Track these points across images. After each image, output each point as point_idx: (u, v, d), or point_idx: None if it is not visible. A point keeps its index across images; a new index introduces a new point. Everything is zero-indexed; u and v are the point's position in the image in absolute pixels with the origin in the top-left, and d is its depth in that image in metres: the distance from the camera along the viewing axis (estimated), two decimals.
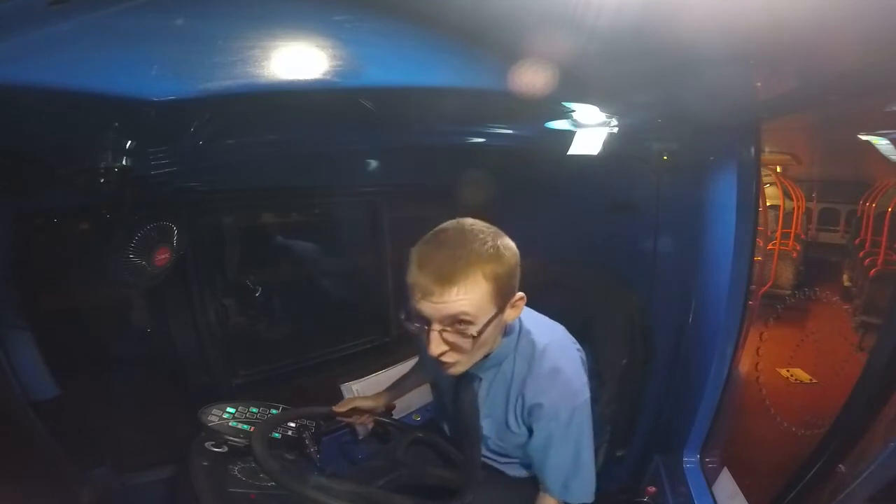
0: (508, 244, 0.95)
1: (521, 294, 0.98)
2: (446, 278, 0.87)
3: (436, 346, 0.92)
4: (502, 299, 0.93)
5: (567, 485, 1.04)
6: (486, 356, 1.04)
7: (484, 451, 1.18)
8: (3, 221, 1.30)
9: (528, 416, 1.04)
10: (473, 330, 0.91)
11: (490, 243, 0.91)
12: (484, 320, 0.91)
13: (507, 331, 1.05)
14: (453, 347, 0.94)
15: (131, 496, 1.50)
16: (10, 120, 0.85)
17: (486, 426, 1.12)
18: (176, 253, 1.38)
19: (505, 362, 1.07)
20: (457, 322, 0.90)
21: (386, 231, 2.11)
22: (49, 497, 1.31)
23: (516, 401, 1.06)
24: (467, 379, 1.09)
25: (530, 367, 1.04)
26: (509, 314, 0.98)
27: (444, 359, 0.96)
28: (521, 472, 1.18)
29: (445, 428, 1.33)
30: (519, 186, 2.00)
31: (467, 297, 0.88)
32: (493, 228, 0.96)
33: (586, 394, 1.05)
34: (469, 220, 0.96)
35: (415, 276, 0.90)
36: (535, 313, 1.16)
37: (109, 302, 1.54)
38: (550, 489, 1.06)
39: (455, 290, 0.87)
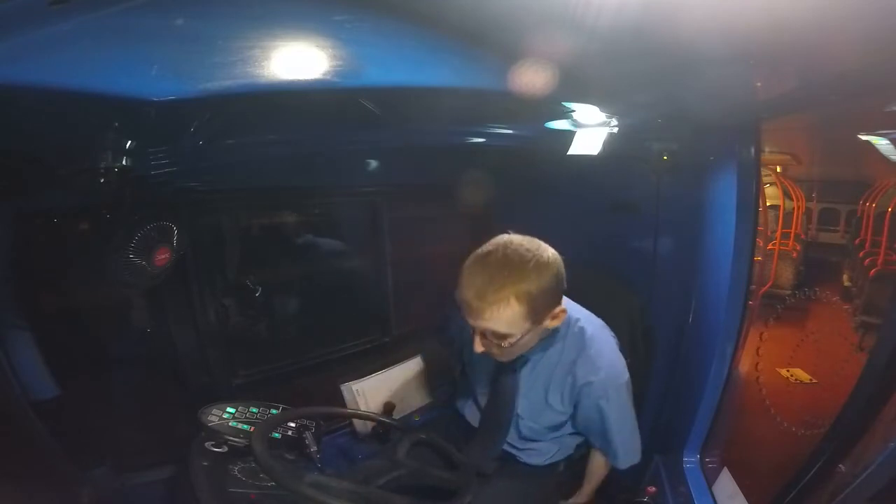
0: (548, 262, 1.02)
1: (562, 307, 1.08)
2: (482, 301, 0.98)
3: (477, 346, 1.06)
4: (538, 315, 1.02)
5: (614, 450, 1.19)
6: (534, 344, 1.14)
7: (511, 438, 1.25)
8: (3, 221, 1.30)
9: (578, 394, 1.15)
10: (508, 341, 1.03)
11: (530, 265, 0.99)
12: (519, 334, 1.02)
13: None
14: (494, 349, 1.07)
15: (131, 496, 1.50)
16: (10, 120, 0.85)
17: (522, 406, 1.21)
18: (176, 253, 1.38)
19: (553, 346, 1.18)
20: (493, 335, 1.03)
21: (386, 231, 2.11)
22: (49, 497, 1.31)
23: (564, 380, 1.16)
24: (511, 362, 1.19)
25: (580, 350, 1.15)
26: (550, 323, 1.08)
27: (488, 353, 1.09)
28: (538, 460, 1.24)
29: (470, 412, 1.37)
30: (519, 186, 2.00)
31: (500, 318, 0.99)
32: (536, 246, 1.04)
33: (627, 374, 1.18)
34: (513, 241, 1.04)
35: (460, 293, 1.02)
36: (579, 306, 1.26)
37: (109, 302, 1.54)
38: (603, 448, 1.22)
39: (489, 312, 0.98)
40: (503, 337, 1.02)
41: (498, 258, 1.00)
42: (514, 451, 1.27)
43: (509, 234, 1.07)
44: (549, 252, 1.04)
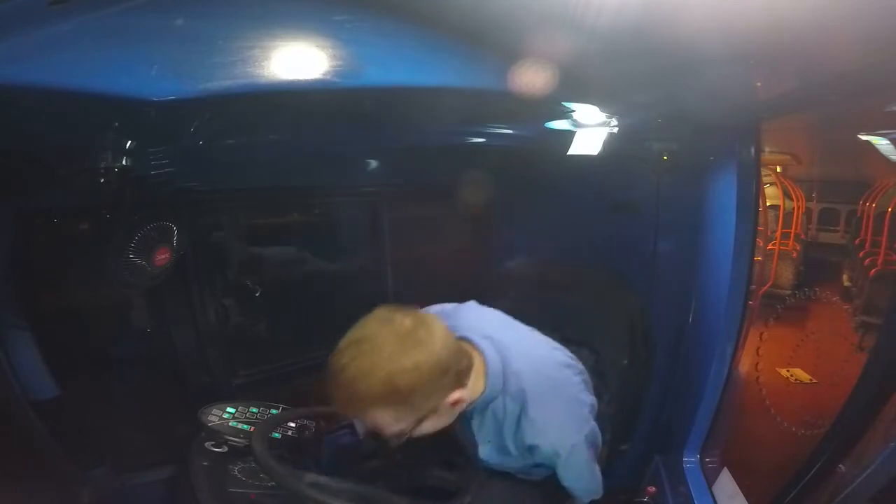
0: (419, 352, 0.85)
1: (457, 395, 0.93)
2: (348, 412, 0.89)
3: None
4: (419, 410, 0.89)
5: (573, 492, 1.09)
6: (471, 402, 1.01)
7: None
8: (3, 221, 1.30)
9: (529, 453, 1.03)
10: (400, 435, 0.91)
11: (393, 364, 0.83)
12: (407, 427, 0.90)
13: (488, 378, 1.00)
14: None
15: (131, 496, 1.50)
16: (10, 120, 0.85)
17: (484, 452, 1.10)
18: (176, 253, 1.38)
19: (494, 403, 1.03)
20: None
21: (386, 231, 2.11)
22: (49, 497, 1.31)
23: (514, 434, 1.03)
24: (459, 419, 1.06)
25: (523, 409, 1.00)
26: (449, 409, 0.94)
27: None
28: (532, 477, 1.18)
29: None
30: (519, 186, 2.00)
31: (375, 424, 0.89)
32: (404, 333, 0.86)
33: (589, 424, 1.03)
34: (375, 329, 0.88)
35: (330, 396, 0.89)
36: (526, 339, 1.13)
37: (109, 302, 1.54)
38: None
39: (357, 418, 0.92)
40: (396, 434, 0.90)
41: (352, 355, 0.85)
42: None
43: (382, 309, 0.92)
44: (425, 335, 0.86)
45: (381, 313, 0.91)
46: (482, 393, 1.00)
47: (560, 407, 1.02)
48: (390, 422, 0.88)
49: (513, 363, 1.02)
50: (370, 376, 0.83)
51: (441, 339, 0.89)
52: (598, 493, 1.12)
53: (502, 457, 1.10)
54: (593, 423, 1.05)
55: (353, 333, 0.90)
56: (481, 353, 1.01)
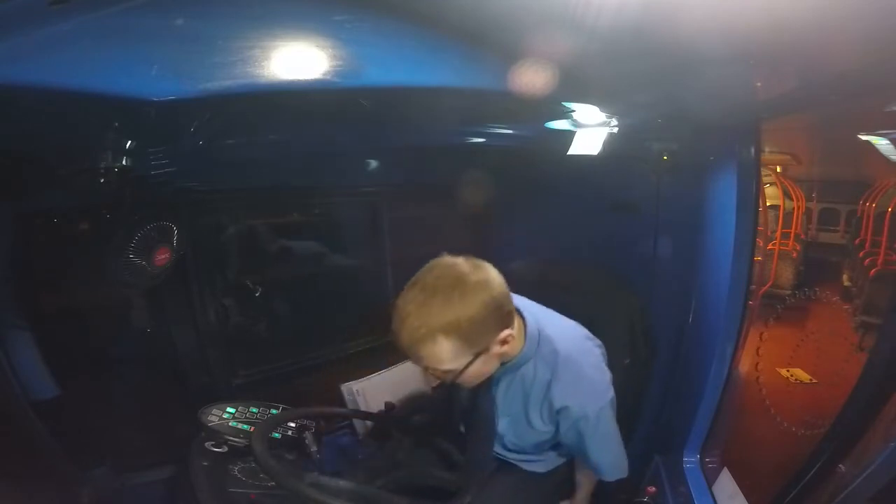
0: (478, 287, 0.94)
1: (507, 332, 0.99)
2: (409, 344, 0.94)
3: (429, 381, 1.05)
4: (476, 345, 0.96)
5: (599, 467, 1.14)
6: (503, 363, 1.08)
7: (499, 449, 1.21)
8: (3, 221, 1.30)
9: (556, 416, 1.09)
10: (452, 375, 0.98)
11: (455, 294, 0.92)
12: (461, 365, 0.97)
13: (526, 337, 1.08)
14: (446, 380, 1.02)
15: (131, 496, 1.50)
16: (10, 120, 0.85)
17: (504, 424, 1.16)
18: (176, 253, 1.38)
19: (524, 367, 1.10)
20: (435, 371, 0.99)
21: (386, 231, 2.11)
22: (49, 497, 1.31)
23: (541, 402, 1.10)
24: (485, 382, 1.12)
25: (555, 372, 1.07)
26: (501, 349, 1.01)
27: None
28: (537, 468, 1.22)
29: (457, 424, 1.34)
30: (519, 186, 2.00)
31: (433, 357, 0.94)
32: (467, 270, 0.95)
33: (611, 391, 1.10)
34: (440, 268, 0.97)
35: (392, 332, 0.97)
36: (552, 314, 1.19)
37: (109, 302, 1.54)
38: (588, 465, 1.17)
39: (419, 351, 0.94)
40: (445, 372, 0.98)
41: (419, 293, 0.94)
42: (511, 460, 1.24)
43: (443, 257, 0.99)
44: (483, 275, 0.96)
45: (441, 260, 0.99)
46: (520, 351, 1.08)
47: (588, 370, 1.09)
48: (449, 356, 0.94)
49: (546, 329, 1.11)
50: (436, 308, 0.91)
51: (495, 279, 0.98)
52: (623, 471, 1.16)
53: (521, 431, 1.16)
54: (614, 394, 1.11)
55: (418, 277, 0.98)
56: (521, 316, 1.09)
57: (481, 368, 1.01)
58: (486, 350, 0.98)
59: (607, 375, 1.12)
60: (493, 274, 0.98)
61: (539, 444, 1.17)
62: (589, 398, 1.06)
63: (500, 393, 1.14)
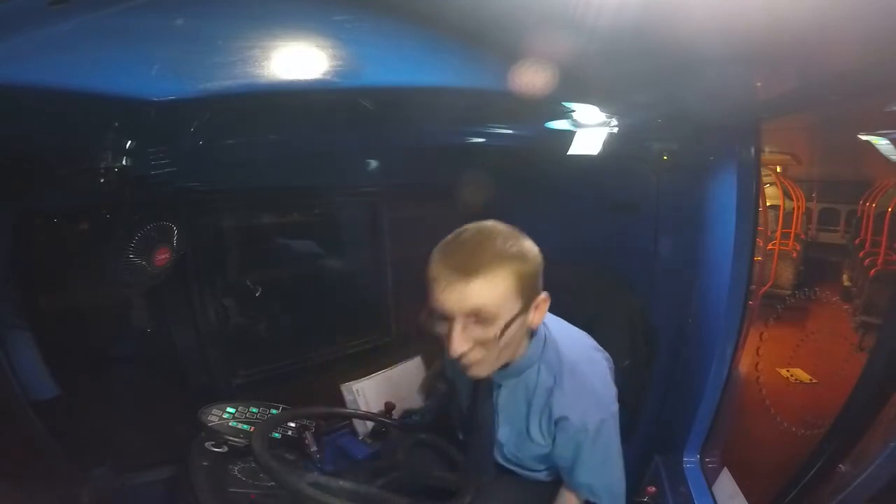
0: (531, 246, 0.96)
1: (544, 295, 0.97)
2: (471, 269, 0.87)
3: (458, 344, 0.90)
4: (526, 298, 0.92)
5: (592, 488, 1.03)
6: (507, 364, 1.02)
7: (498, 458, 1.17)
8: (3, 221, 1.30)
9: (555, 426, 1.02)
10: (496, 327, 0.90)
11: (513, 242, 0.92)
12: (507, 317, 0.90)
13: (532, 338, 1.03)
14: (477, 344, 0.92)
15: (131, 496, 1.50)
16: (10, 120, 0.85)
17: (504, 434, 1.11)
18: (176, 253, 1.38)
19: (528, 372, 1.05)
20: (480, 316, 0.89)
21: (386, 231, 2.11)
22: (49, 497, 1.31)
23: (541, 411, 1.04)
24: (486, 386, 1.08)
25: (558, 380, 1.02)
26: (533, 316, 0.97)
27: (467, 359, 0.94)
28: (539, 477, 1.17)
29: (456, 429, 1.31)
30: (519, 186, 2.00)
31: (491, 290, 0.87)
32: (517, 230, 0.97)
33: (614, 405, 1.04)
34: (491, 222, 0.97)
35: (438, 269, 0.90)
36: (561, 321, 1.15)
37: (109, 302, 1.54)
38: (576, 487, 1.05)
39: (479, 281, 0.86)
40: (492, 320, 0.89)
41: (478, 235, 0.92)
42: (510, 469, 1.19)
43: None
44: (529, 240, 0.98)
45: (481, 222, 0.97)
46: (526, 351, 1.02)
47: (593, 381, 1.03)
48: (508, 296, 0.89)
49: (553, 333, 1.06)
50: (502, 242, 0.90)
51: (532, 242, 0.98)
52: (621, 496, 1.06)
53: (520, 442, 1.10)
54: (618, 410, 1.04)
55: (463, 228, 0.96)
56: None
57: (516, 333, 0.94)
58: (526, 309, 0.93)
59: (612, 390, 1.06)
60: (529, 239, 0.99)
61: (537, 459, 1.11)
62: (591, 409, 1.00)
63: (502, 400, 1.09)
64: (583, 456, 1.00)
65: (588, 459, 1.01)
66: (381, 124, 1.38)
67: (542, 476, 1.16)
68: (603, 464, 1.02)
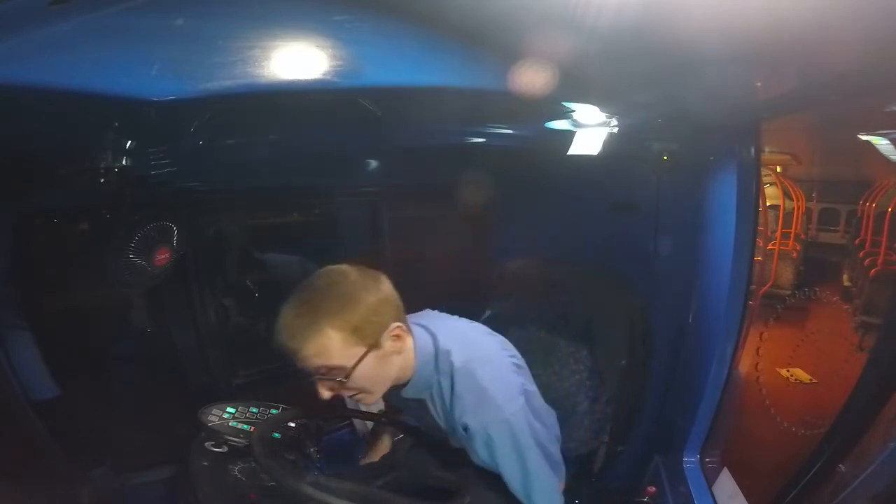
0: (369, 286, 0.95)
1: (395, 325, 0.97)
2: (293, 339, 0.91)
3: (322, 392, 0.97)
4: (365, 336, 0.93)
5: (527, 492, 1.01)
6: (405, 383, 1.05)
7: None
8: (3, 221, 1.30)
9: (468, 439, 1.02)
10: (342, 374, 0.93)
11: (342, 290, 0.93)
12: (352, 361, 0.93)
13: (420, 354, 1.03)
14: (343, 390, 0.97)
15: (131, 496, 1.50)
16: (10, 120, 0.85)
17: (455, 442, 1.11)
18: (176, 253, 1.38)
19: (432, 385, 1.06)
20: (326, 370, 0.94)
21: (386, 231, 2.11)
22: (49, 497, 1.31)
23: (455, 419, 1.04)
24: (415, 405, 1.10)
25: (455, 388, 1.02)
26: (392, 345, 0.98)
27: (347, 397, 1.01)
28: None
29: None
30: (519, 186, 2.00)
31: (322, 351, 0.91)
32: (357, 274, 0.96)
33: (515, 404, 1.00)
34: (327, 270, 0.97)
35: (273, 342, 0.95)
36: (456, 324, 1.16)
37: (109, 302, 1.54)
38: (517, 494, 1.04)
39: (304, 347, 0.91)
40: (339, 370, 0.92)
41: (305, 294, 0.94)
42: None
43: (326, 268, 0.99)
44: (372, 274, 0.97)
45: (327, 267, 0.99)
46: (413, 371, 1.04)
47: (486, 383, 1.00)
48: (339, 349, 0.91)
49: (441, 342, 1.05)
50: (323, 303, 0.91)
51: (384, 280, 0.99)
52: (552, 489, 1.04)
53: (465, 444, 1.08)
54: (529, 412, 1.01)
55: (303, 284, 0.96)
56: (410, 332, 1.04)
57: (375, 368, 0.95)
58: (377, 345, 0.94)
59: (512, 388, 1.02)
60: (382, 276, 0.99)
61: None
62: (489, 413, 0.97)
63: (435, 411, 1.09)
64: (500, 464, 1.00)
65: (507, 466, 1.00)
66: (380, 124, 1.38)
67: None
68: (521, 465, 0.99)
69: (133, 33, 0.73)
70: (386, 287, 0.98)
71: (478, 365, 1.03)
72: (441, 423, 1.10)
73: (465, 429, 1.00)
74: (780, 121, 1.37)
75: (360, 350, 0.93)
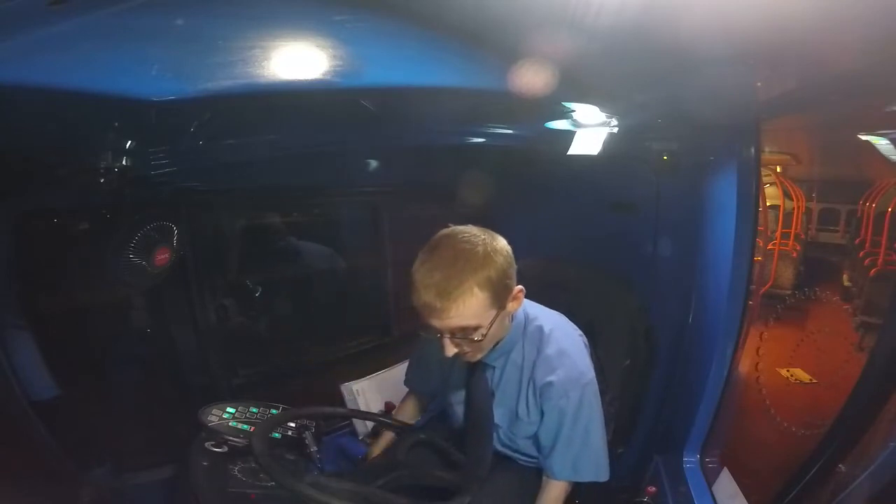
0: (498, 246, 1.02)
1: (519, 287, 1.06)
2: (444, 299, 0.95)
3: (449, 350, 1.03)
4: (501, 299, 1.01)
5: (576, 464, 1.10)
6: (495, 346, 1.12)
7: (495, 442, 1.22)
8: (3, 221, 1.30)
9: (540, 397, 1.11)
10: (478, 334, 1.01)
11: (480, 251, 0.98)
12: (487, 323, 1.01)
13: (513, 319, 1.13)
14: (465, 347, 1.05)
15: (131, 496, 1.50)
16: (10, 120, 0.85)
17: (498, 415, 1.18)
18: (176, 253, 1.39)
19: (514, 350, 1.15)
20: (463, 331, 1.00)
21: (386, 231, 2.11)
22: (49, 497, 1.31)
23: (528, 385, 1.13)
24: (480, 369, 1.17)
25: (539, 350, 1.12)
26: (511, 306, 1.07)
27: (461, 354, 1.07)
28: (532, 463, 1.22)
29: (454, 424, 1.33)
30: (519, 186, 2.00)
31: (467, 311, 0.97)
32: (483, 233, 1.03)
33: (592, 373, 1.12)
34: (458, 231, 1.03)
35: (419, 299, 0.98)
36: (536, 304, 1.23)
37: (109, 302, 1.54)
38: (558, 471, 1.11)
39: (454, 307, 0.96)
40: (473, 330, 1.00)
41: (448, 253, 0.98)
42: (509, 455, 1.24)
43: (450, 227, 1.05)
44: (496, 235, 1.05)
45: (451, 228, 1.05)
46: (509, 331, 1.12)
47: (571, 349, 1.13)
48: (482, 310, 0.98)
49: (530, 311, 1.17)
50: (468, 264, 0.96)
51: (502, 238, 1.05)
52: (604, 473, 1.13)
53: (512, 423, 1.17)
54: (596, 384, 1.12)
55: (436, 243, 1.02)
56: None
57: (497, 327, 1.04)
58: (504, 305, 1.03)
59: (588, 359, 1.15)
60: (499, 236, 1.05)
61: (528, 441, 1.18)
62: (571, 374, 1.08)
63: (496, 380, 1.17)
64: (565, 427, 1.08)
65: (571, 429, 1.08)
66: (380, 124, 1.38)
67: (538, 463, 1.20)
68: (586, 434, 1.09)
69: (133, 33, 0.73)
70: (505, 244, 1.04)
71: (562, 334, 1.16)
72: (496, 390, 1.17)
73: (544, 390, 1.09)
74: (780, 121, 1.37)
75: (495, 311, 1.01)
